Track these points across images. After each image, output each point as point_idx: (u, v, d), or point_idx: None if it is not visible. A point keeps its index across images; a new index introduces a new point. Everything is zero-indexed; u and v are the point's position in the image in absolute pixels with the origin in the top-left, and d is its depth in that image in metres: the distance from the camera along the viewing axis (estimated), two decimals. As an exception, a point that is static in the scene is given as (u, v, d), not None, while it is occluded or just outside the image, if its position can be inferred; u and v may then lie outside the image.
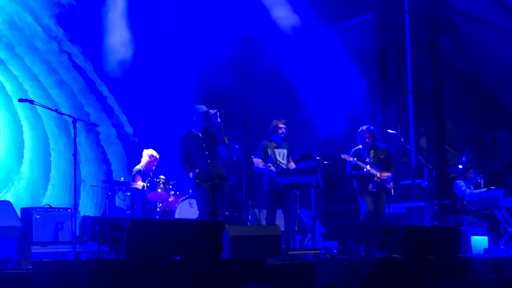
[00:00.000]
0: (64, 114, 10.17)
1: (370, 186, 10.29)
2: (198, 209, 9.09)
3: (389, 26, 13.90)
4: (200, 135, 9.12)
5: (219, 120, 8.91)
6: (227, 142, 8.96)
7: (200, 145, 9.08)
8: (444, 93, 13.42)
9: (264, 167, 9.94)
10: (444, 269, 7.28)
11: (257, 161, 9.97)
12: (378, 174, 10.29)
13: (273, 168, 9.91)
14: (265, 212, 10.40)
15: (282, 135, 10.23)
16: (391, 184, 10.48)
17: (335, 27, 14.75)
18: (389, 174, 10.39)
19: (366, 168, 10.24)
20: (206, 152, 9.01)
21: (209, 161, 9.00)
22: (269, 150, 10.15)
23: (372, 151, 10.50)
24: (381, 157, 10.48)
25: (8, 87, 12.44)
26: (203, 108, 9.13)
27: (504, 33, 12.55)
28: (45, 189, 12.82)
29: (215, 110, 8.99)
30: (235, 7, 13.45)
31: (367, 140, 10.44)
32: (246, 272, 6.57)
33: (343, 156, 10.23)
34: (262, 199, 10.42)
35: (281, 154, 10.22)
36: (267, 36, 13.78)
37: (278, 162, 10.12)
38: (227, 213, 12.23)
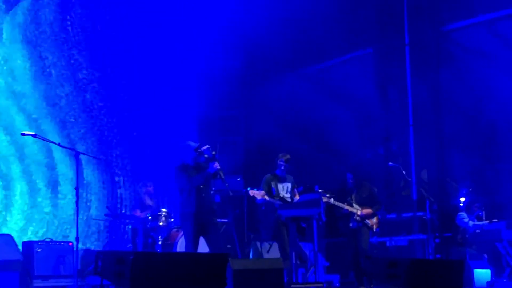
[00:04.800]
0: (66, 147, 10.22)
1: (351, 224, 10.66)
2: (184, 241, 9.03)
3: (389, 59, 13.99)
4: (194, 169, 9.07)
5: (213, 153, 8.90)
6: (223, 176, 8.92)
7: None
8: (445, 125, 13.47)
9: (262, 198, 9.99)
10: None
11: (253, 193, 10.02)
12: (358, 212, 10.61)
13: (266, 197, 9.95)
14: (273, 244, 10.44)
15: (284, 170, 10.29)
16: (373, 220, 10.76)
17: (335, 60, 14.89)
18: (369, 210, 10.67)
19: (345, 208, 10.60)
20: (201, 187, 8.97)
21: (203, 195, 8.96)
22: (272, 183, 10.20)
23: (356, 191, 10.89)
24: (364, 195, 10.84)
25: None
26: (193, 144, 9.10)
27: (504, 66, 12.62)
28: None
29: (207, 146, 8.99)
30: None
31: (351, 181, 10.86)
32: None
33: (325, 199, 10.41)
34: (274, 232, 10.42)
35: (285, 188, 10.27)
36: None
37: (281, 195, 10.17)
38: (228, 246, 12.21)
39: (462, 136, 13.00)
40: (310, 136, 14.29)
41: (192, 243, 8.78)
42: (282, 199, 10.21)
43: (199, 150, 8.96)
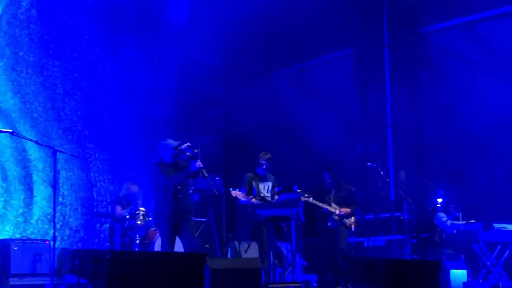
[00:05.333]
0: (44, 145, 10.16)
1: (329, 223, 10.83)
2: (161, 239, 8.99)
3: (369, 60, 14.05)
4: (172, 168, 9.05)
5: (196, 151, 8.85)
6: (206, 175, 8.88)
7: None
8: (423, 127, 13.54)
9: (246, 199, 9.98)
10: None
11: (236, 194, 10.01)
12: (337, 211, 10.73)
13: (254, 200, 9.95)
14: (251, 243, 10.45)
15: (265, 169, 10.30)
16: (351, 219, 10.89)
17: (315, 61, 14.92)
18: (347, 210, 10.81)
19: (324, 207, 10.72)
20: (178, 187, 8.92)
21: (180, 195, 8.91)
22: (253, 183, 10.20)
23: (334, 190, 11.01)
24: (342, 195, 11.00)
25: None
26: (172, 142, 9.04)
27: (482, 68, 12.71)
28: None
29: (187, 144, 8.93)
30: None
31: (328, 180, 11.02)
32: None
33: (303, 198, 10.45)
34: (253, 231, 10.43)
35: (265, 187, 10.29)
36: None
37: (262, 195, 10.18)
38: (207, 245, 12.20)
39: (440, 137, 13.08)
40: (289, 136, 14.32)
41: (168, 242, 8.75)
42: (263, 198, 10.22)
43: (179, 148, 8.91)
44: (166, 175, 8.82)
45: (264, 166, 10.27)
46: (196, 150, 8.82)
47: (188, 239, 8.86)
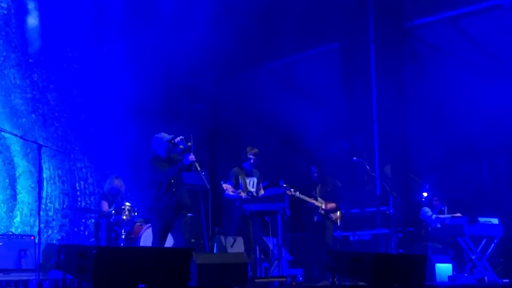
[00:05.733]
0: (28, 140, 10.11)
1: (315, 218, 10.85)
2: (152, 234, 8.95)
3: (354, 55, 14.06)
4: (166, 163, 9.00)
5: (189, 144, 8.82)
6: (199, 168, 8.84)
7: None
8: (408, 121, 13.57)
9: (234, 193, 9.98)
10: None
11: (227, 187, 9.99)
12: (323, 206, 10.75)
13: (243, 194, 9.95)
14: (237, 238, 10.43)
15: (252, 164, 10.30)
16: (337, 214, 10.94)
17: (301, 55, 14.91)
18: (333, 204, 10.87)
19: (311, 201, 10.73)
20: (172, 181, 8.89)
21: (174, 189, 8.88)
22: (240, 177, 10.20)
23: (320, 185, 11.01)
24: (328, 189, 11.03)
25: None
26: (166, 136, 9.01)
27: (468, 63, 12.74)
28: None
29: (181, 137, 8.90)
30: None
31: (315, 175, 11.06)
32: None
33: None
34: (240, 226, 10.40)
35: (251, 183, 10.29)
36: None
37: (248, 190, 10.18)
38: (192, 240, 12.18)
39: (425, 132, 13.11)
40: (275, 131, 14.30)
41: (159, 238, 8.71)
42: (250, 193, 10.22)
43: (173, 141, 8.88)
44: (160, 170, 8.79)
45: (252, 161, 10.27)
46: (189, 143, 8.79)
47: (180, 237, 8.81)
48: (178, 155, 8.94)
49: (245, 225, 10.08)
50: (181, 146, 8.81)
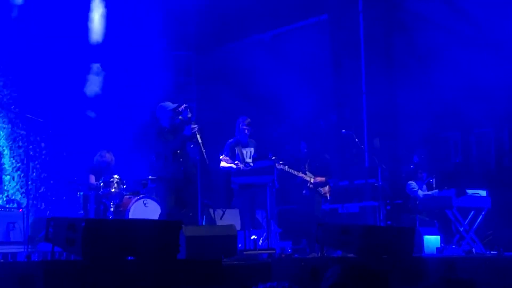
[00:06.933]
0: (14, 112, 10.02)
1: (304, 191, 11.00)
2: (160, 204, 8.92)
3: (343, 27, 13.99)
4: (170, 133, 8.93)
5: (189, 115, 8.77)
6: (200, 140, 8.77)
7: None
8: (397, 93, 13.55)
9: (235, 165, 9.94)
10: (398, 268, 7.34)
11: (226, 159, 9.95)
12: (312, 180, 10.76)
13: (241, 166, 9.92)
14: (226, 211, 10.43)
15: (247, 134, 10.26)
16: (325, 188, 11.06)
17: (291, 26, 14.82)
18: (322, 179, 10.94)
19: (299, 175, 10.79)
20: (178, 151, 8.84)
21: (181, 159, 8.84)
22: (236, 149, 10.15)
23: (309, 159, 11.24)
24: (317, 164, 11.17)
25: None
26: (170, 105, 8.95)
27: (456, 35, 12.71)
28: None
29: (185, 105, 8.85)
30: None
31: (305, 150, 11.27)
32: (203, 272, 6.54)
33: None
34: (235, 198, 10.39)
35: (247, 153, 10.25)
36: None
37: (245, 161, 10.16)
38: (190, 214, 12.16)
39: (414, 104, 13.10)
40: (263, 103, 14.25)
41: (167, 207, 8.68)
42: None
43: (177, 110, 8.82)
44: (164, 141, 8.74)
45: (246, 131, 10.21)
46: (189, 115, 8.74)
47: (186, 209, 8.80)
48: (178, 125, 8.88)
49: (237, 197, 10.08)
50: (180, 117, 8.77)
